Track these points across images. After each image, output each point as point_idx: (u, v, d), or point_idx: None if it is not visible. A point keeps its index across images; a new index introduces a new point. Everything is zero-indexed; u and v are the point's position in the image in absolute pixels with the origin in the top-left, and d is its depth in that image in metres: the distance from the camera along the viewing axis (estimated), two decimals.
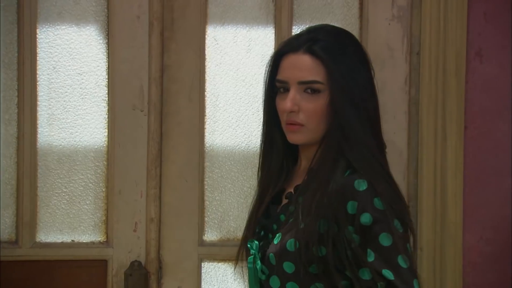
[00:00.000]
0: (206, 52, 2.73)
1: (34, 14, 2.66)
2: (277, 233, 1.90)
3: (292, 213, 1.90)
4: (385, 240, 1.78)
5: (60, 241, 2.71)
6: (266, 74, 1.97)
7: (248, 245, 1.96)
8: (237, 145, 2.77)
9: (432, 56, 2.70)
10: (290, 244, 1.84)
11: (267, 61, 1.99)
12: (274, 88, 1.95)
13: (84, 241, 2.72)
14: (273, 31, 2.75)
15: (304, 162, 1.99)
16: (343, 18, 2.77)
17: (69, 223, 2.72)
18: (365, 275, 1.79)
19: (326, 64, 1.86)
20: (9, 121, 2.68)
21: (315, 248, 1.80)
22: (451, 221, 2.72)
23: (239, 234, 2.75)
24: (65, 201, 2.71)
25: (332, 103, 1.86)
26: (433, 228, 2.70)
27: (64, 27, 2.69)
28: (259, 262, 1.92)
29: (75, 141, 2.71)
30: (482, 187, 2.77)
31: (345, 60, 1.87)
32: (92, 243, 2.72)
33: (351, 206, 1.80)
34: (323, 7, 2.77)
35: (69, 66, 2.70)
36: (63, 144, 2.70)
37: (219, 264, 2.78)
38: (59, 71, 2.69)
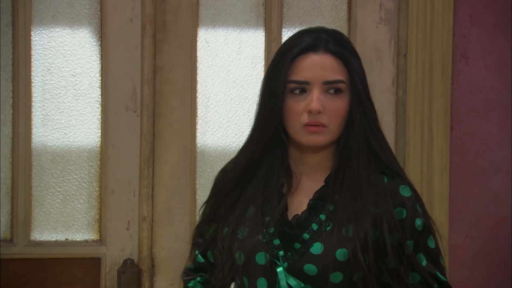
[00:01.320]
0: (198, 54, 2.77)
1: (29, 17, 2.69)
2: (313, 242, 1.78)
3: (325, 221, 1.80)
4: (432, 243, 1.83)
5: (54, 239, 2.74)
6: (280, 75, 1.83)
7: (268, 256, 1.79)
8: (228, 145, 2.81)
9: (419, 58, 2.74)
10: (341, 254, 1.76)
11: (276, 62, 1.85)
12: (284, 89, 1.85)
13: (77, 239, 2.75)
14: (263, 34, 2.79)
15: (306, 168, 1.88)
16: (332, 21, 2.81)
17: (63, 221, 2.74)
18: (415, 279, 1.81)
19: (348, 64, 1.82)
20: (4, 122, 2.70)
21: (366, 257, 1.76)
22: (437, 219, 2.74)
23: None
24: (59, 200, 2.74)
25: (357, 102, 1.82)
26: None
27: (58, 29, 2.72)
28: (289, 276, 1.79)
29: (69, 141, 2.74)
30: (467, 186, 2.81)
31: (358, 61, 1.86)
32: (86, 241, 2.75)
33: (399, 212, 1.80)
34: (312, 10, 2.81)
35: (63, 67, 2.73)
36: (57, 144, 2.73)
37: None
38: (53, 72, 2.72)
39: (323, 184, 1.86)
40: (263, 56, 2.80)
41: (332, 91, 1.80)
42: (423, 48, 2.74)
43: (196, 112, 2.77)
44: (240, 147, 1.93)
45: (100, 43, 2.73)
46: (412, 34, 2.75)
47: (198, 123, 2.78)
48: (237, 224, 1.85)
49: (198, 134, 2.78)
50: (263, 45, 2.79)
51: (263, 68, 2.80)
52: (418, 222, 1.82)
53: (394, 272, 1.79)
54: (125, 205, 2.72)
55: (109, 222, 2.73)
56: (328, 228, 1.79)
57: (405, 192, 1.83)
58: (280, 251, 1.79)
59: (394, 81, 2.79)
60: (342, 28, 2.80)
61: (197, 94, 2.77)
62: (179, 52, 2.74)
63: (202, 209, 1.96)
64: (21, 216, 2.70)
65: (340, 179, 1.83)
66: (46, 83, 2.72)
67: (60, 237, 2.74)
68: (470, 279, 2.80)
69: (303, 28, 2.75)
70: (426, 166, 2.75)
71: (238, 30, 2.79)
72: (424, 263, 1.82)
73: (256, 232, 1.82)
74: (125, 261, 2.72)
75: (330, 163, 1.88)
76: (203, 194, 2.79)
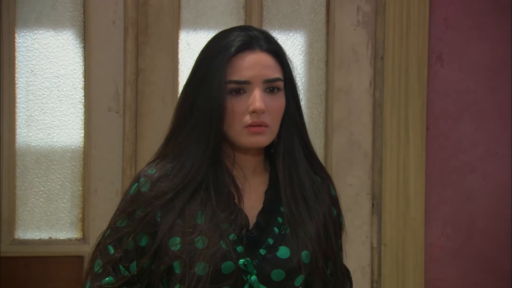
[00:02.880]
0: (179, 56, 2.80)
1: (13, 19, 2.71)
2: (279, 246, 1.73)
3: (283, 224, 1.76)
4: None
5: (38, 238, 2.76)
6: (216, 75, 1.73)
7: (241, 264, 1.71)
8: None
9: (396, 60, 2.79)
10: (305, 256, 1.73)
11: (208, 62, 1.75)
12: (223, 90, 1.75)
13: (61, 238, 2.77)
14: None
15: (247, 170, 1.81)
16: (311, 24, 2.85)
17: (47, 220, 2.77)
18: (333, 276, 1.84)
19: (282, 61, 1.78)
20: None
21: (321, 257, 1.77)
22: (413, 218, 2.80)
23: None
24: (43, 200, 2.77)
25: (292, 100, 1.79)
26: (396, 225, 2.79)
27: (42, 31, 2.75)
28: (259, 283, 1.72)
29: (52, 141, 2.76)
30: (442, 185, 2.84)
31: (288, 58, 1.81)
32: (69, 240, 2.78)
33: (334, 211, 1.83)
34: (292, 13, 2.85)
35: (47, 69, 2.76)
36: (41, 144, 2.76)
37: None
38: (37, 74, 2.75)
39: (266, 185, 1.81)
40: None
41: (269, 89, 1.75)
42: (400, 51, 2.79)
43: None
44: (161, 153, 1.81)
45: (83, 45, 2.76)
46: (389, 37, 2.79)
47: None
48: (192, 233, 1.71)
49: None
50: None
51: None
52: (342, 220, 1.86)
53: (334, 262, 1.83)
54: (108, 204, 2.75)
55: (92, 221, 2.75)
56: (288, 231, 1.75)
57: (333, 191, 1.85)
58: (245, 258, 1.71)
59: (371, 83, 2.83)
60: (321, 31, 2.84)
61: (178, 95, 2.80)
62: (161, 54, 2.78)
63: (119, 221, 1.78)
64: (5, 215, 2.73)
65: (287, 179, 1.78)
66: (30, 85, 2.75)
67: (44, 235, 2.77)
68: (445, 276, 2.83)
69: (283, 30, 2.85)
70: (403, 165, 2.80)
71: None
72: (342, 261, 1.87)
73: (217, 240, 1.71)
74: None
75: (264, 161, 1.83)
76: None
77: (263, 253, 1.73)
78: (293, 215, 1.76)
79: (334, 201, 1.84)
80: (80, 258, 2.76)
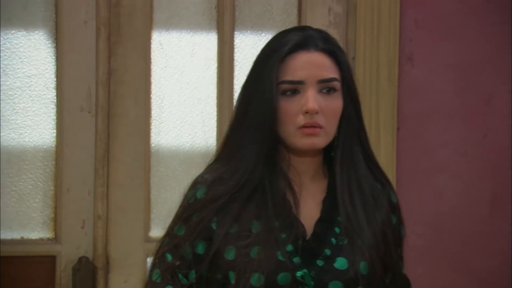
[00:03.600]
0: (152, 56, 2.81)
1: None
2: (336, 257, 1.69)
3: (340, 234, 1.71)
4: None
5: (9, 237, 2.75)
6: (270, 76, 1.70)
7: (299, 276, 1.66)
8: (182, 145, 2.85)
9: (367, 61, 2.81)
10: (363, 267, 1.68)
11: (263, 62, 1.73)
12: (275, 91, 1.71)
13: (33, 237, 2.77)
14: (216, 36, 2.84)
15: (304, 175, 1.77)
16: (283, 24, 2.86)
17: (19, 220, 2.76)
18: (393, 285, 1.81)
19: (339, 61, 1.74)
20: None
21: (380, 268, 1.72)
22: None
23: None
24: (15, 200, 2.76)
25: (350, 101, 1.75)
26: None
27: (13, 31, 2.75)
28: None
29: (24, 141, 2.76)
30: (413, 185, 2.87)
31: (347, 58, 1.78)
32: (41, 239, 2.77)
33: (392, 217, 1.79)
34: (264, 13, 2.87)
35: (19, 69, 2.75)
36: (12, 144, 2.76)
37: None
38: (9, 74, 2.75)
39: (325, 192, 1.76)
40: (215, 58, 2.85)
41: (325, 90, 1.70)
42: (371, 51, 2.81)
43: (150, 113, 2.82)
44: (217, 157, 1.79)
45: (55, 45, 2.76)
46: (360, 38, 2.82)
47: (152, 124, 2.82)
48: (247, 242, 1.67)
49: (152, 134, 2.82)
50: (216, 47, 2.84)
51: (216, 70, 2.84)
52: (402, 230, 1.81)
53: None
54: (80, 204, 2.75)
55: (64, 220, 2.75)
56: (345, 242, 1.70)
57: (393, 198, 1.81)
58: (303, 269, 1.66)
59: None
60: None
61: (151, 95, 2.82)
62: (133, 54, 2.79)
63: (176, 228, 1.75)
64: None
65: (345, 185, 1.74)
66: (1, 85, 2.74)
67: (16, 235, 2.76)
68: (414, 275, 2.86)
69: (255, 31, 2.87)
70: None
71: (191, 33, 2.84)
72: (403, 271, 1.83)
73: (273, 250, 1.66)
74: (80, 259, 2.75)
75: (324, 167, 1.78)
76: (157, 193, 2.83)
77: (320, 264, 1.68)
78: (351, 224, 1.70)
79: (395, 209, 1.80)
80: (52, 258, 2.76)
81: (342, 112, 1.72)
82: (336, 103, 1.70)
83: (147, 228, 2.81)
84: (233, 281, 1.67)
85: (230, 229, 1.69)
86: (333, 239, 1.70)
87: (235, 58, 2.86)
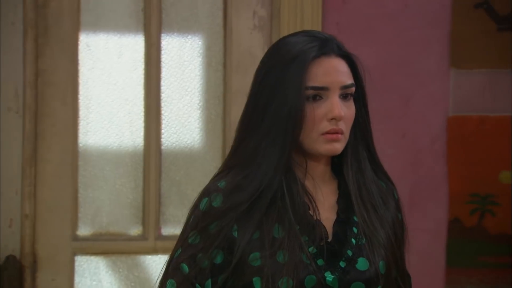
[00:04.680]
0: (79, 57, 2.85)
1: None
2: (357, 258, 1.68)
3: (358, 234, 1.71)
4: None
5: None
6: (295, 81, 1.67)
7: (329, 280, 1.66)
8: (109, 145, 2.89)
9: None
10: (382, 266, 1.69)
11: (284, 67, 1.69)
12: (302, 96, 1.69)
13: None
14: (143, 38, 2.89)
15: (317, 178, 1.75)
16: (209, 27, 2.93)
17: None
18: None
19: (355, 68, 1.75)
20: None
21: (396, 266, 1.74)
22: None
23: (111, 229, 2.88)
24: None
25: (362, 108, 1.75)
26: None
27: None
28: None
29: None
30: None
31: (360, 67, 1.78)
32: None
33: (399, 216, 1.80)
34: (190, 16, 2.92)
35: None
36: None
37: (92, 257, 2.88)
38: None
39: (336, 194, 1.76)
40: (142, 60, 2.89)
41: (344, 96, 1.70)
42: None
43: (78, 113, 2.85)
44: (232, 163, 1.71)
45: None
46: None
47: (80, 124, 2.86)
48: (271, 248, 1.65)
49: (80, 135, 2.86)
50: (143, 49, 2.89)
51: (143, 71, 2.89)
52: (404, 227, 1.81)
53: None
54: (7, 203, 2.77)
55: None
56: (364, 241, 1.70)
57: (396, 194, 1.81)
58: (326, 272, 1.65)
59: None
60: (218, 34, 2.92)
61: (78, 95, 2.85)
62: (61, 56, 2.82)
63: (190, 238, 1.69)
64: None
65: (356, 188, 1.73)
66: None
67: None
68: None
69: (182, 33, 2.92)
70: None
71: (118, 35, 2.89)
72: (405, 267, 1.82)
73: (299, 254, 1.64)
74: (7, 258, 2.77)
75: (331, 170, 1.77)
76: (84, 192, 2.86)
77: (342, 266, 1.67)
78: (367, 224, 1.70)
79: (398, 205, 1.81)
80: None
81: (355, 117, 1.73)
82: (353, 108, 1.71)
83: (74, 227, 2.84)
84: (258, 287, 1.64)
85: (252, 236, 1.66)
86: (353, 240, 1.70)
87: (162, 59, 2.91)
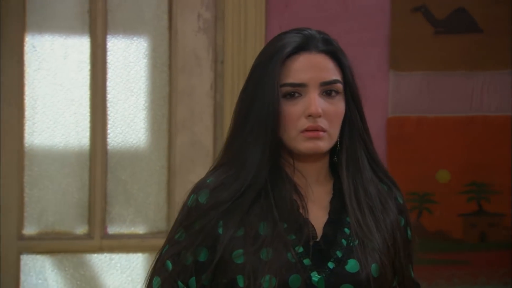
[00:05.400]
0: (25, 58, 2.86)
1: None
2: (347, 259, 1.63)
3: (350, 236, 1.66)
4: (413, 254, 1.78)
5: None
6: (272, 78, 1.64)
7: (314, 280, 1.61)
8: (55, 145, 2.91)
9: (235, 64, 2.91)
10: (374, 269, 1.63)
11: (264, 65, 1.67)
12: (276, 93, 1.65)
13: None
14: (89, 40, 2.91)
15: (309, 178, 1.71)
16: (154, 29, 2.96)
17: None
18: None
19: (342, 64, 1.68)
20: None
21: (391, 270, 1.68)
22: None
23: (57, 228, 2.90)
24: None
25: (353, 104, 1.69)
26: None
27: None
28: None
29: None
30: None
31: (348, 60, 1.71)
32: None
33: (400, 219, 1.73)
34: (136, 18, 2.95)
35: None
36: None
37: (38, 256, 2.89)
38: None
39: (330, 194, 1.71)
40: (88, 61, 2.92)
41: (328, 93, 1.65)
42: (238, 55, 2.92)
43: (24, 114, 2.87)
44: (219, 162, 1.70)
45: None
46: (228, 42, 2.92)
47: (26, 124, 2.87)
48: (256, 245, 1.61)
49: (26, 135, 2.87)
50: (89, 50, 2.91)
51: (89, 72, 2.92)
52: (409, 232, 1.75)
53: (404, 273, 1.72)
54: None
55: None
56: (356, 243, 1.64)
57: (400, 199, 1.75)
58: (313, 272, 1.61)
59: (212, 86, 2.95)
60: (163, 36, 2.95)
61: (24, 96, 2.87)
62: (6, 57, 2.83)
63: (177, 234, 1.67)
64: None
65: (352, 188, 1.68)
66: None
67: None
68: None
69: (127, 35, 2.95)
70: None
71: (64, 36, 2.91)
72: (412, 274, 1.76)
73: (284, 252, 1.60)
74: None
75: (328, 170, 1.73)
76: (30, 191, 2.88)
77: (331, 267, 1.63)
78: (360, 226, 1.65)
79: (402, 210, 1.74)
80: None
81: (345, 115, 1.68)
82: (339, 106, 1.66)
83: (20, 226, 2.85)
84: (241, 285, 1.61)
85: (236, 233, 1.63)
86: (343, 241, 1.65)
87: (108, 61, 2.93)
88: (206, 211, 1.64)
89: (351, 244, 1.64)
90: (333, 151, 1.71)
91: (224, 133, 2.91)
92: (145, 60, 2.98)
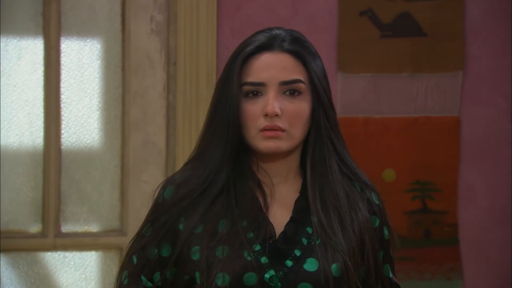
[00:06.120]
0: None
1: None
2: (306, 258, 1.62)
3: (312, 235, 1.65)
4: (392, 252, 1.76)
5: None
6: (233, 77, 1.65)
7: (267, 279, 1.60)
8: (9, 145, 2.92)
9: (187, 66, 2.95)
10: (335, 269, 1.62)
11: (229, 64, 1.68)
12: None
13: None
14: (42, 41, 2.93)
15: (276, 177, 1.70)
16: (107, 31, 2.98)
17: None
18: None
19: (307, 64, 1.66)
20: None
21: (356, 270, 1.65)
22: None
23: (11, 226, 2.91)
24: None
25: (318, 104, 1.67)
26: None
27: None
28: None
29: None
30: None
31: (318, 61, 1.70)
32: None
33: (373, 221, 1.71)
34: (89, 21, 2.97)
35: None
36: None
37: None
38: None
39: (298, 194, 1.70)
40: (42, 62, 2.93)
41: (290, 92, 1.64)
42: (191, 57, 2.95)
43: None
44: (190, 158, 1.72)
45: None
46: (181, 44, 2.95)
47: None
48: (212, 242, 1.62)
49: None
50: (43, 52, 2.93)
51: (42, 73, 2.93)
52: (386, 231, 1.73)
53: (363, 283, 1.68)
54: None
55: None
56: (318, 242, 1.63)
57: (375, 199, 1.73)
58: (270, 270, 1.60)
59: (165, 87, 2.98)
60: (117, 38, 2.98)
61: None
62: None
63: (144, 229, 1.69)
64: None
65: (317, 188, 1.67)
66: None
67: None
68: None
69: (81, 37, 2.97)
70: None
71: (18, 38, 2.92)
72: (390, 274, 1.74)
73: (240, 250, 1.60)
74: None
75: (298, 170, 1.72)
76: None
77: (289, 265, 1.62)
78: (323, 226, 1.64)
79: (376, 211, 1.72)
80: None
81: (312, 115, 1.67)
82: (300, 105, 1.65)
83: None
84: (198, 281, 1.62)
85: (195, 230, 1.64)
86: (304, 239, 1.64)
87: (62, 62, 2.95)
88: (169, 207, 1.66)
89: (312, 243, 1.64)
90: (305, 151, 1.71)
91: (176, 133, 2.95)
92: (99, 62, 3.00)
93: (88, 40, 3.00)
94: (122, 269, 1.70)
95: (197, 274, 1.63)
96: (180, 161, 2.96)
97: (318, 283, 1.60)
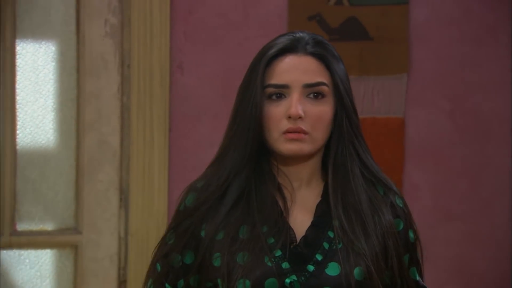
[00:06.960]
0: None
1: None
2: (328, 263, 1.60)
3: (334, 239, 1.62)
4: (419, 255, 1.73)
5: None
6: (256, 79, 1.63)
7: (287, 284, 1.58)
8: None
9: (141, 68, 2.99)
10: (358, 273, 1.59)
11: (252, 66, 1.67)
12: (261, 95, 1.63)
13: None
14: None
15: (297, 181, 1.69)
16: (62, 34, 3.01)
17: None
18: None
19: (331, 67, 1.64)
20: None
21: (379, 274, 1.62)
22: (157, 210, 3.00)
23: None
24: None
25: (341, 108, 1.65)
26: (141, 217, 2.99)
27: None
28: None
29: None
30: (184, 182, 3.01)
31: (341, 64, 1.68)
32: None
33: (397, 224, 1.68)
34: (44, 24, 3.00)
35: None
36: None
37: None
38: None
39: (319, 198, 1.68)
40: None
41: (313, 95, 1.63)
42: (144, 59, 2.98)
43: None
44: (212, 162, 1.70)
45: None
46: (135, 47, 2.99)
47: None
48: (233, 248, 1.60)
49: None
50: None
51: None
52: (411, 234, 1.71)
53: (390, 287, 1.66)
54: None
55: None
56: (339, 246, 1.61)
57: (399, 202, 1.71)
58: (291, 275, 1.58)
59: (119, 88, 3.01)
60: (72, 40, 3.01)
61: None
62: None
63: (167, 236, 1.68)
64: None
65: (339, 193, 1.65)
66: None
67: None
68: None
69: (36, 40, 2.99)
70: (148, 163, 2.99)
71: None
72: (417, 277, 1.72)
73: (260, 256, 1.58)
74: None
75: (320, 174, 1.70)
76: None
77: (310, 270, 1.60)
78: (345, 230, 1.62)
79: (400, 214, 1.70)
80: None
81: (334, 119, 1.65)
82: (322, 108, 1.64)
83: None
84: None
85: (216, 236, 1.62)
86: (325, 244, 1.62)
87: (17, 64, 2.98)
88: (191, 212, 1.65)
89: (334, 247, 1.61)
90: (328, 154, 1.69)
91: (130, 133, 2.99)
92: (54, 64, 3.03)
93: (43, 43, 3.02)
94: (147, 277, 1.70)
95: (219, 281, 1.62)
96: (134, 161, 2.99)
97: (339, 286, 1.59)
